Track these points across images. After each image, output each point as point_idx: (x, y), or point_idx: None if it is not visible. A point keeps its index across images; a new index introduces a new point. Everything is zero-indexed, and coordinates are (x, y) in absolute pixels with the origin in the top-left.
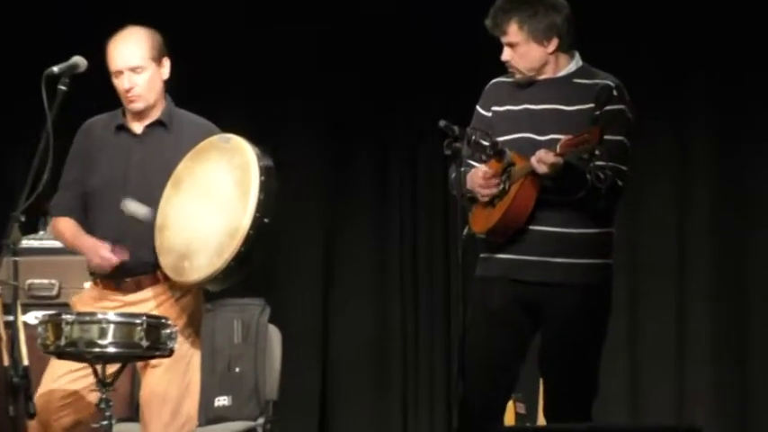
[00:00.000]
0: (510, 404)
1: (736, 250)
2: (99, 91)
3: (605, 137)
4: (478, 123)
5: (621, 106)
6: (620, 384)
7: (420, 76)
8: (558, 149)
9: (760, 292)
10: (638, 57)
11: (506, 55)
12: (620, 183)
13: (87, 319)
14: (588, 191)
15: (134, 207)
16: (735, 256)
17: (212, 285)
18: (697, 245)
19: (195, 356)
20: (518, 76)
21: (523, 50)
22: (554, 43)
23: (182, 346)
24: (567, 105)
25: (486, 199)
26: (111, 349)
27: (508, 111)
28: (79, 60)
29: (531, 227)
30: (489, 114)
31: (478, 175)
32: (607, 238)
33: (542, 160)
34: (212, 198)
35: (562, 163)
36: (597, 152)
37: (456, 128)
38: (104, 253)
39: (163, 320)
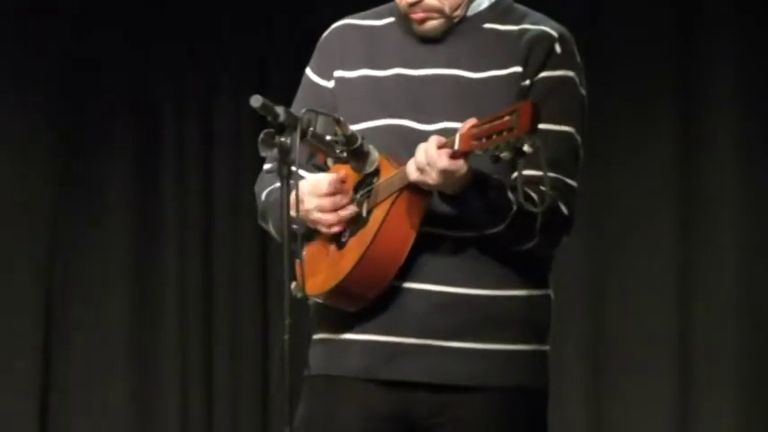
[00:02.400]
0: None
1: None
2: None
3: (541, 126)
4: (312, 100)
5: (569, 73)
6: None
7: (215, 15)
8: (456, 143)
9: None
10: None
11: None
12: (564, 209)
13: None
14: (511, 220)
15: None
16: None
17: None
18: (709, 314)
19: None
20: (425, 27)
21: None
22: None
23: None
24: (472, 70)
25: (334, 230)
26: None
27: (366, 78)
28: None
29: (407, 284)
30: (330, 85)
31: (319, 188)
32: (542, 304)
33: (429, 164)
34: None
35: (465, 170)
36: (526, 148)
37: (281, 110)
38: None
39: None
